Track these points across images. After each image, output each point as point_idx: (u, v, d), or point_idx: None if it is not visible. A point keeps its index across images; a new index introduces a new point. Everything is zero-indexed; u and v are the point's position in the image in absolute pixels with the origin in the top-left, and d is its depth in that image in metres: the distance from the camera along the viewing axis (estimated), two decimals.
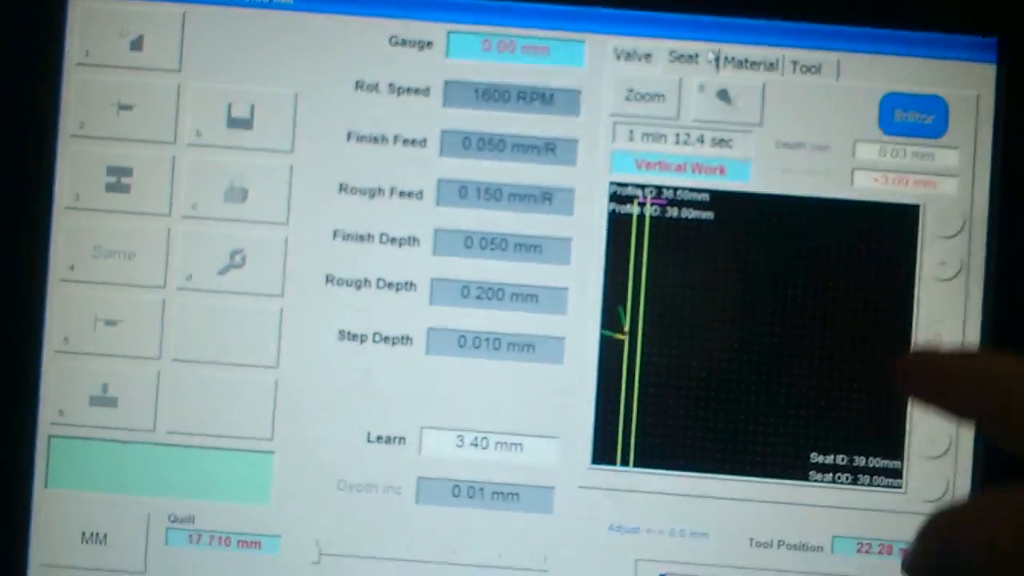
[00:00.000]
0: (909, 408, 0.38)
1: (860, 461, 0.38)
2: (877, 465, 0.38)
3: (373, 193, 0.37)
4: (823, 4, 0.37)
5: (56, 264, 0.37)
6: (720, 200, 0.38)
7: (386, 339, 0.37)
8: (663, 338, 0.38)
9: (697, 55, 0.38)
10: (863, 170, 0.38)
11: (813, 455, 0.38)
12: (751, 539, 0.38)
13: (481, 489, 0.38)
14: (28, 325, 0.37)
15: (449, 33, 0.38)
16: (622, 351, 0.38)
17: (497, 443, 0.38)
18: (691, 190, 0.38)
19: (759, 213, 0.38)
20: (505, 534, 0.38)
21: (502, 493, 0.38)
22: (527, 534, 0.38)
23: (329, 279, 0.37)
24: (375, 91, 0.37)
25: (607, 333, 0.38)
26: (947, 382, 0.21)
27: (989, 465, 0.38)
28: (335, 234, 0.37)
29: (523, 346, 0.38)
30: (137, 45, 0.37)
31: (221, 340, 0.37)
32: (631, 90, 0.38)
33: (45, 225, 0.37)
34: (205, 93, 0.37)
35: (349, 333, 0.37)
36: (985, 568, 0.18)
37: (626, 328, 0.38)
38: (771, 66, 0.38)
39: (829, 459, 0.38)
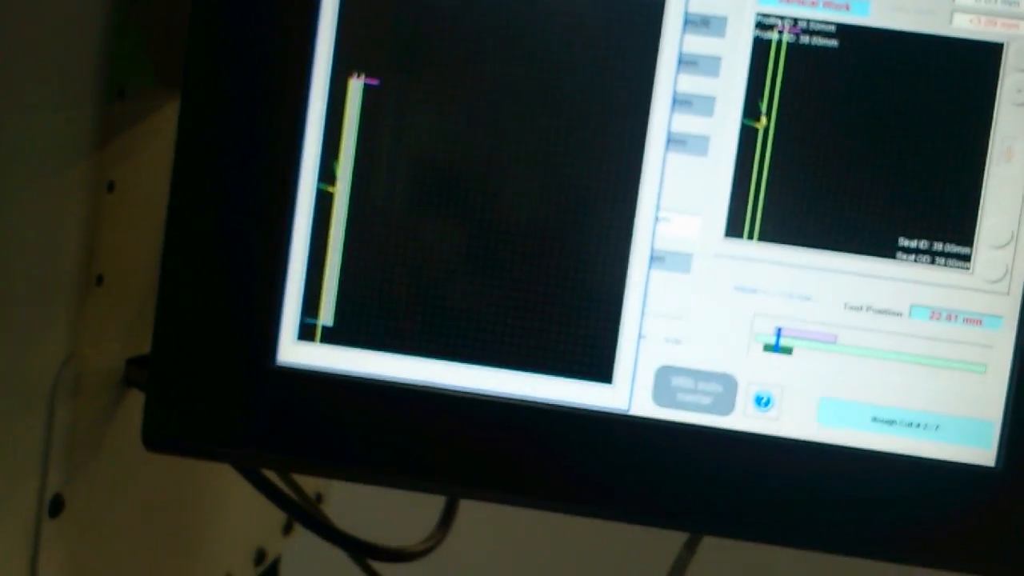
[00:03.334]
0: (981, 205, 0.43)
1: (938, 246, 0.43)
2: (951, 250, 0.43)
3: None
4: None
5: None
6: (844, 31, 0.43)
7: None
8: (791, 137, 0.43)
9: None
10: (961, 12, 0.43)
11: (901, 238, 0.43)
12: (845, 303, 0.44)
13: None
14: None
15: None
16: (755, 148, 0.44)
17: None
18: (821, 22, 0.43)
19: (875, 43, 0.43)
20: (653, 288, 0.44)
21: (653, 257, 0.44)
22: (671, 289, 0.44)
23: None
24: None
25: (746, 134, 0.43)
26: None
27: None
28: None
29: (677, 141, 0.44)
30: None
31: None
32: None
33: None
34: None
35: None
36: None
37: (760, 132, 0.43)
38: None
39: (913, 243, 0.43)
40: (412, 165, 0.44)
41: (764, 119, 0.43)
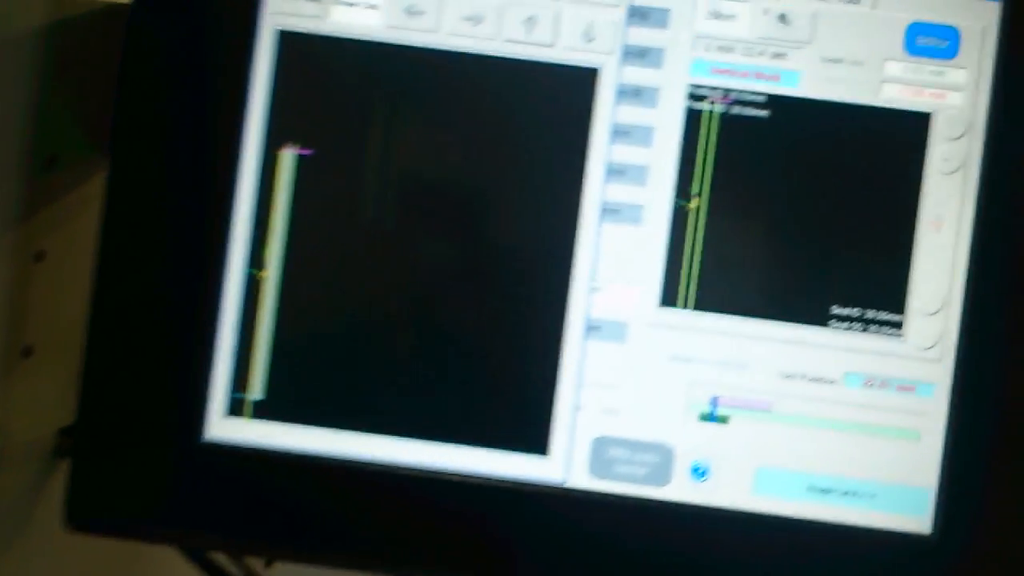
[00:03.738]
0: (912, 273, 0.43)
1: (871, 314, 0.43)
2: (884, 318, 0.43)
3: None
4: None
5: None
6: (775, 102, 0.43)
7: None
8: (726, 208, 0.43)
9: None
10: (889, 82, 0.42)
11: (834, 306, 0.43)
12: (780, 371, 0.43)
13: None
14: None
15: None
16: (687, 218, 0.43)
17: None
18: (752, 93, 0.43)
19: (805, 113, 0.42)
20: (589, 358, 0.43)
21: (588, 326, 0.43)
22: (607, 359, 0.43)
23: None
24: None
25: (680, 203, 0.43)
26: None
27: (971, 324, 0.42)
28: None
29: (611, 210, 0.43)
30: None
31: None
32: (710, 10, 0.42)
33: None
34: None
35: None
36: None
37: (693, 201, 0.43)
38: None
39: (846, 311, 0.43)
40: (342, 240, 0.43)
41: (697, 187, 0.43)
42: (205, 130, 0.42)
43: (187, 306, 0.42)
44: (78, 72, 0.47)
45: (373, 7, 0.43)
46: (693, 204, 0.43)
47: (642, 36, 0.43)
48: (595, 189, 0.43)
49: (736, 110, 0.43)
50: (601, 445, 0.43)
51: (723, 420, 0.43)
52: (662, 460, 0.43)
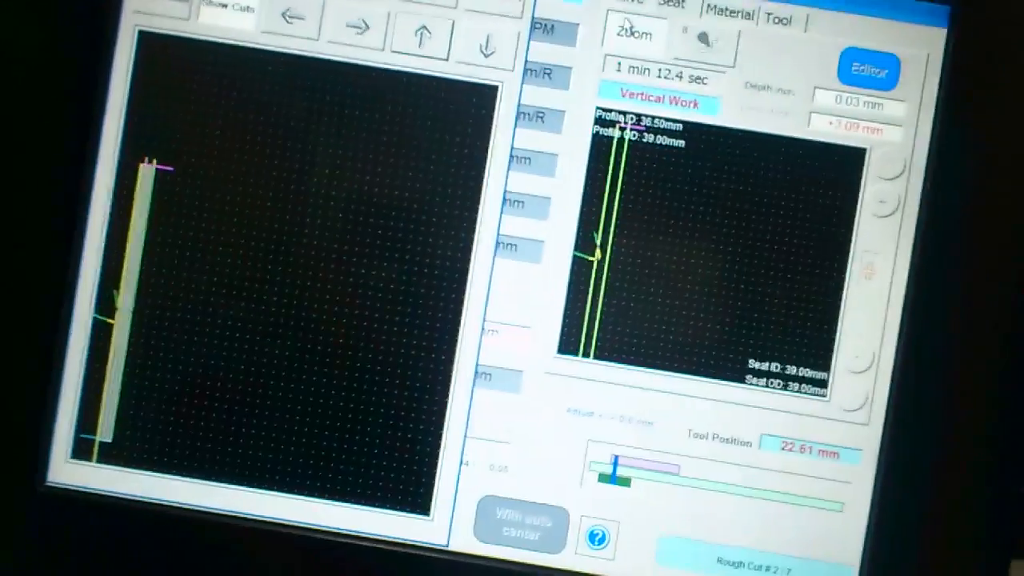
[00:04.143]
0: (839, 327, 0.38)
1: (792, 370, 0.38)
2: (806, 375, 0.38)
3: None
4: None
5: None
6: (691, 130, 0.38)
7: None
8: (634, 247, 0.38)
9: (684, 0, 0.38)
10: (819, 114, 0.38)
11: (751, 361, 0.38)
12: (689, 430, 0.38)
13: None
14: None
15: None
16: (591, 256, 0.38)
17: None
18: (667, 119, 0.38)
19: (725, 144, 0.38)
20: (477, 408, 0.38)
21: (477, 373, 0.38)
22: (498, 409, 0.38)
23: None
24: None
25: (584, 238, 0.38)
26: None
27: (902, 385, 0.38)
28: None
29: (507, 245, 0.38)
30: None
31: None
32: (622, 27, 0.38)
33: None
34: None
35: None
36: None
37: (599, 237, 0.38)
38: (747, 15, 0.38)
39: (764, 366, 0.38)
40: (204, 269, 0.38)
41: (604, 223, 0.38)
42: (52, 144, 0.37)
43: (29, 338, 0.37)
44: None
45: (247, 9, 0.38)
46: (599, 240, 0.38)
47: (546, 53, 0.38)
48: (490, 220, 0.38)
49: (648, 138, 0.38)
50: (488, 505, 0.38)
51: (625, 482, 0.38)
52: (556, 524, 0.38)
